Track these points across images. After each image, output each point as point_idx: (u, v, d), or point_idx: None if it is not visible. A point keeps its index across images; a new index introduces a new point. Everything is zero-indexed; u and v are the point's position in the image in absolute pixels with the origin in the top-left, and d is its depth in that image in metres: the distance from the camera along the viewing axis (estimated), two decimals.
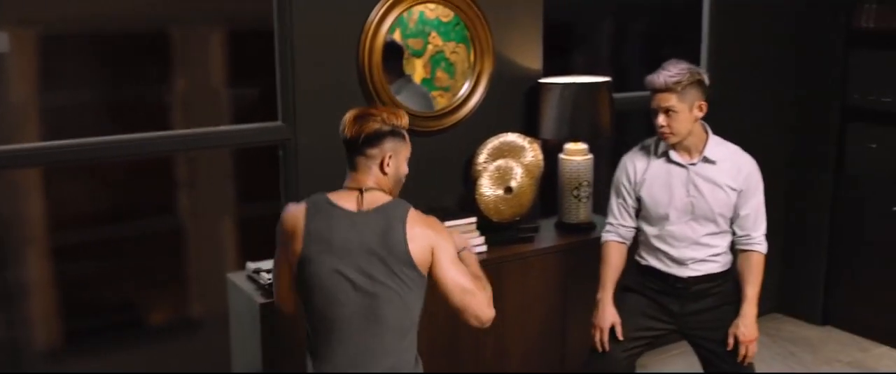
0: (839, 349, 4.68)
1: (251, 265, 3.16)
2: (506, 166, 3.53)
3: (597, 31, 4.58)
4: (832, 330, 4.94)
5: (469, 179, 3.65)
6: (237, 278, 3.17)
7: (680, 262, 3.10)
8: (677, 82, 2.93)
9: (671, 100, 2.95)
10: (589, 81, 3.66)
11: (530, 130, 3.75)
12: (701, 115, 3.02)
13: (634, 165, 3.16)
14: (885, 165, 4.57)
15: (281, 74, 3.31)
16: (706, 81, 3.02)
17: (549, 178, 3.83)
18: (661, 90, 2.96)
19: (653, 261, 3.16)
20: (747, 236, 3.10)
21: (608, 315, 3.10)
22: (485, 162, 3.58)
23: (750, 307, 3.08)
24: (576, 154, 3.69)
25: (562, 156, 3.73)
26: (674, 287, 3.12)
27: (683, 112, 2.97)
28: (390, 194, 2.51)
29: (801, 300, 5.04)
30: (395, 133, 2.47)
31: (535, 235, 3.64)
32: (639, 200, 3.16)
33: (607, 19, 4.62)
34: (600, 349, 3.10)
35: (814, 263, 4.94)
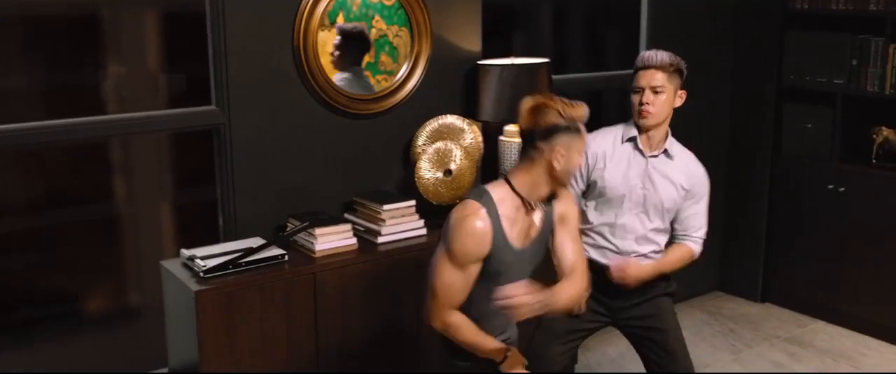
0: (778, 326, 4.76)
1: (186, 252, 3.10)
2: (445, 149, 3.51)
3: (537, 14, 4.58)
4: (771, 307, 5.03)
5: (409, 162, 3.63)
6: (172, 266, 3.12)
7: (623, 255, 3.09)
8: (670, 63, 3.02)
9: (661, 78, 3.01)
10: (528, 62, 3.66)
11: (470, 113, 3.74)
12: (679, 104, 3.10)
13: (599, 147, 3.12)
14: (821, 145, 4.65)
15: (213, 57, 3.25)
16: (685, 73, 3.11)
17: (490, 160, 3.83)
18: (653, 67, 3.01)
19: (594, 254, 3.12)
20: (686, 233, 3.16)
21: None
22: (424, 145, 3.57)
23: (651, 267, 3.08)
24: (515, 136, 3.69)
25: (501, 138, 3.73)
26: (610, 282, 3.07)
27: (668, 94, 3.03)
28: (561, 184, 2.57)
29: (741, 279, 5.13)
30: (570, 128, 2.47)
31: None
32: (591, 184, 3.12)
33: (548, 1, 4.62)
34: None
35: (753, 242, 5.02)
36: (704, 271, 5.13)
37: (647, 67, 3.03)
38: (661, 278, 3.16)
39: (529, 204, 2.55)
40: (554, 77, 4.16)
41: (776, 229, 4.94)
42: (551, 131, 2.45)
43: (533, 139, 2.48)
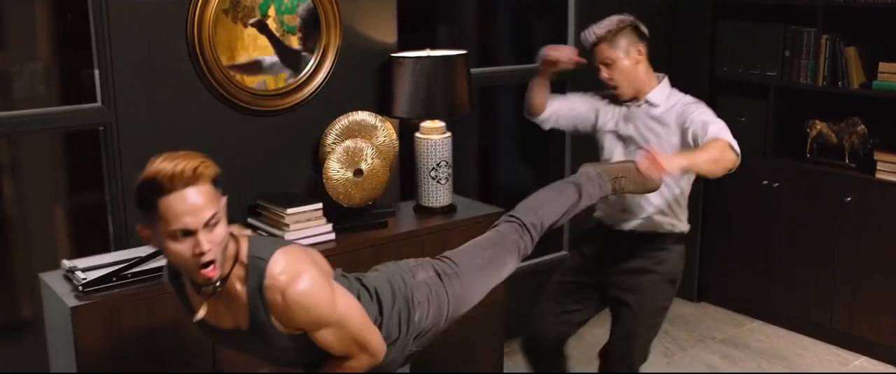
0: (713, 326, 4.62)
1: (67, 263, 2.84)
2: (356, 147, 3.29)
3: (464, 4, 4.36)
4: (707, 307, 4.89)
5: (318, 162, 3.40)
6: (51, 279, 2.85)
7: (625, 209, 3.09)
8: (607, 31, 2.99)
9: (606, 51, 3.00)
10: (444, 54, 3.44)
11: (384, 109, 3.52)
12: (641, 58, 3.07)
13: (604, 99, 3.21)
14: (755, 139, 4.51)
15: (97, 51, 2.98)
16: (641, 27, 3.09)
17: (406, 159, 3.61)
18: (593, 45, 3.01)
19: (602, 208, 3.16)
20: (706, 138, 2.83)
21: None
22: (333, 143, 3.34)
23: (683, 158, 2.73)
24: (432, 133, 3.47)
25: (418, 135, 3.51)
26: (603, 243, 3.15)
27: (621, 61, 3.01)
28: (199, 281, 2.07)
29: None
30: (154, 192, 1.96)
31: (391, 220, 3.41)
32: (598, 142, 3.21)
33: None
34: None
35: (687, 240, 4.86)
36: None
37: (589, 47, 3.04)
38: (651, 253, 3.09)
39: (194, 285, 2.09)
40: (476, 70, 3.96)
41: (711, 225, 4.80)
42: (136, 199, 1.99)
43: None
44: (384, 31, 3.56)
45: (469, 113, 3.53)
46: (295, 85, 3.33)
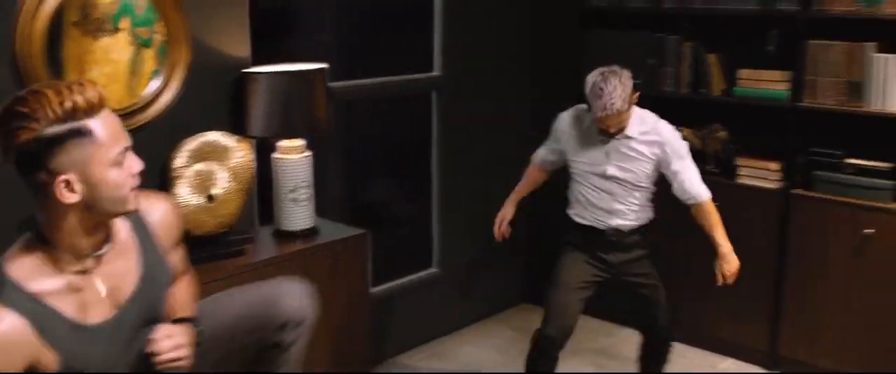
0: (586, 337, 4.58)
1: None
2: (207, 170, 3.06)
3: (320, 14, 4.17)
4: (583, 317, 4.84)
5: (166, 186, 3.15)
6: None
7: (611, 212, 3.49)
8: (624, 102, 3.23)
9: (620, 118, 3.28)
10: (301, 68, 3.25)
11: (238, 128, 3.30)
12: (635, 103, 3.36)
13: (565, 128, 3.56)
14: None
15: None
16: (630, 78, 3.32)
17: (264, 181, 3.40)
18: (612, 115, 3.23)
19: (585, 213, 3.54)
20: (683, 191, 3.53)
21: (505, 210, 3.79)
22: (183, 167, 3.09)
23: (721, 246, 3.47)
24: (290, 152, 3.28)
25: (275, 155, 3.31)
26: (606, 241, 3.51)
27: (627, 113, 3.30)
28: (113, 213, 1.97)
29: None
30: (72, 132, 1.77)
31: (248, 247, 3.20)
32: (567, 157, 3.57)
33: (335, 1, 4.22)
34: (498, 237, 3.79)
35: (558, 250, 4.82)
36: (509, 283, 4.91)
37: (605, 117, 3.25)
38: (640, 238, 3.57)
39: (81, 257, 1.89)
40: (337, 84, 3.80)
41: None
42: (37, 151, 1.74)
43: (23, 171, 1.80)
44: (237, 44, 3.34)
45: (329, 130, 3.35)
46: (141, 104, 3.07)
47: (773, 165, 4.07)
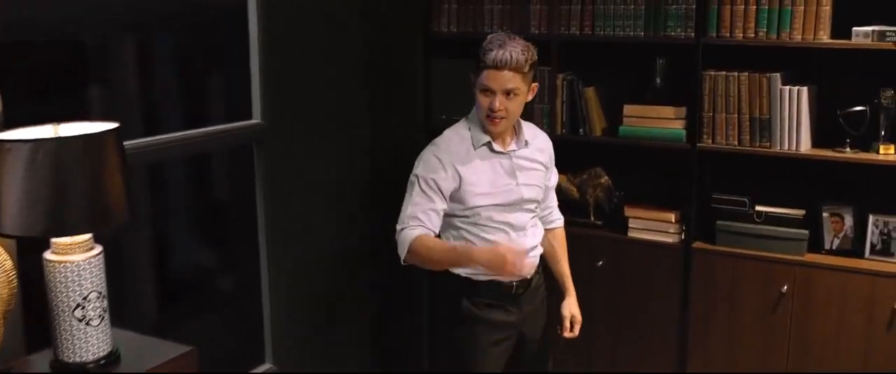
0: None
1: None
2: None
3: (109, 56, 3.14)
4: None
5: None
6: None
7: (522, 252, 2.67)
8: (526, 60, 2.56)
9: (516, 80, 2.56)
10: (79, 132, 2.24)
11: None
12: (531, 98, 2.70)
13: (454, 159, 2.63)
14: None
15: None
16: None
17: (38, 292, 2.37)
18: (509, 69, 2.53)
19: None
20: (550, 209, 2.94)
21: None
22: None
23: (571, 283, 2.94)
24: (71, 252, 2.27)
25: (48, 257, 2.29)
26: (514, 291, 2.75)
27: (523, 95, 2.61)
28: None
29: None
30: None
31: None
32: (454, 198, 2.65)
33: (123, 38, 3.18)
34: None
35: (419, 314, 4.05)
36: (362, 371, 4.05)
37: (500, 67, 2.53)
38: (541, 281, 2.90)
39: None
40: (134, 143, 2.83)
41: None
42: None
43: None
44: None
45: (127, 216, 2.37)
46: None
47: (670, 216, 3.49)
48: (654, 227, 3.51)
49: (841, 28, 3.14)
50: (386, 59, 3.80)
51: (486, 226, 2.67)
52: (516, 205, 2.70)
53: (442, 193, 2.60)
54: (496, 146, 2.68)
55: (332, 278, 3.72)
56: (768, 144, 3.28)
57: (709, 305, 3.45)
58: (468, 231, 2.69)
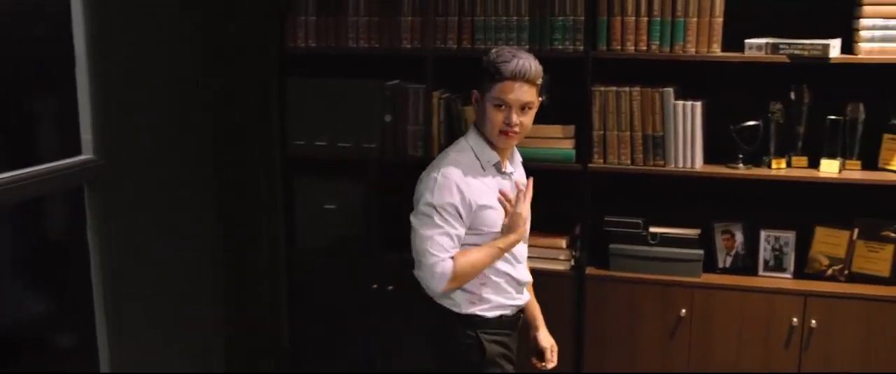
0: None
1: None
2: None
3: None
4: None
5: None
6: None
7: (521, 284, 2.57)
8: (542, 73, 2.40)
9: (532, 93, 2.39)
10: None
11: None
12: None
13: (466, 183, 2.39)
14: (354, 233, 3.41)
15: None
16: None
17: None
18: (526, 80, 2.35)
19: (501, 299, 2.49)
20: None
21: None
22: None
23: (540, 313, 2.74)
24: None
25: None
26: (516, 319, 2.58)
27: (535, 109, 2.44)
28: None
29: None
30: None
31: None
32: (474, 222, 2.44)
33: None
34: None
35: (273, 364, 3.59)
36: None
37: (517, 79, 2.33)
38: None
39: None
40: None
41: (303, 343, 3.57)
42: None
43: None
44: None
45: None
46: None
47: (561, 242, 3.26)
48: (543, 254, 3.26)
49: (733, 41, 3.03)
50: (236, 79, 3.30)
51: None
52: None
53: (461, 218, 2.37)
54: (504, 167, 2.49)
55: (188, 325, 3.21)
56: (662, 162, 3.13)
57: (605, 334, 3.26)
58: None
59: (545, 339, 2.68)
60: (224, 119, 3.32)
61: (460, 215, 2.36)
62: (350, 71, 3.37)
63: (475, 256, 2.39)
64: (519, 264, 2.54)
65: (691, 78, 3.17)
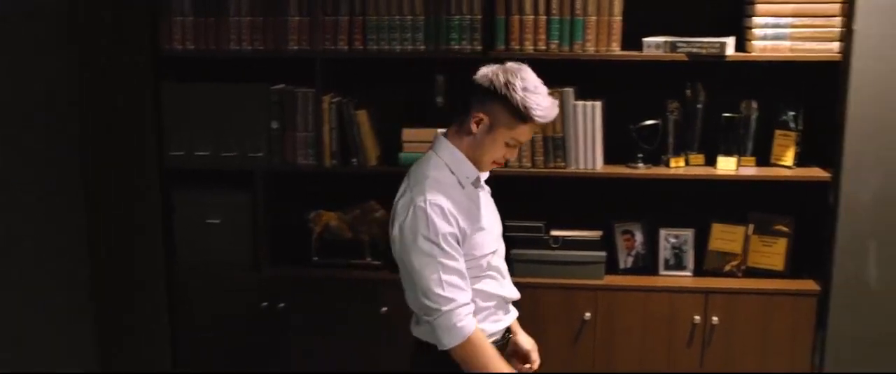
0: None
1: None
2: None
3: None
4: None
5: None
6: None
7: (508, 302, 2.39)
8: None
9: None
10: None
11: None
12: None
13: (455, 207, 2.15)
14: (240, 247, 3.19)
15: None
16: None
17: None
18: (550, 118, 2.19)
19: (493, 327, 2.29)
20: None
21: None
22: None
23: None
24: None
25: None
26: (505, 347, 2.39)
27: None
28: None
29: None
30: None
31: None
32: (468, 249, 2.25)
33: None
34: None
35: None
36: None
37: (545, 119, 2.16)
38: None
39: None
40: None
41: (189, 368, 3.31)
42: None
43: None
44: None
45: None
46: None
47: None
48: None
49: (631, 40, 3.00)
50: (107, 85, 3.01)
51: (488, 277, 2.27)
52: (498, 255, 2.34)
53: (461, 247, 2.14)
54: (483, 181, 2.32)
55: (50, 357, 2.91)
56: (563, 163, 3.07)
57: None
58: (473, 290, 2.24)
59: (526, 341, 2.46)
60: (96, 129, 3.02)
61: (460, 245, 2.13)
62: (233, 75, 3.14)
63: (487, 350, 2.16)
64: (505, 280, 2.34)
65: (590, 78, 3.12)
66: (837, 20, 2.90)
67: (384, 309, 3.16)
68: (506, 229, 3.16)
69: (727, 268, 3.17)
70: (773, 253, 3.17)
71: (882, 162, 2.98)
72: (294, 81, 3.12)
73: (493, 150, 2.16)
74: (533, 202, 3.24)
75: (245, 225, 3.17)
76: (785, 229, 3.16)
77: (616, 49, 2.98)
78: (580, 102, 3.03)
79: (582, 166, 3.07)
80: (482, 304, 2.24)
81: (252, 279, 3.21)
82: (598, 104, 3.03)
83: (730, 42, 2.95)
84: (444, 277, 2.09)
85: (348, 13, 3.02)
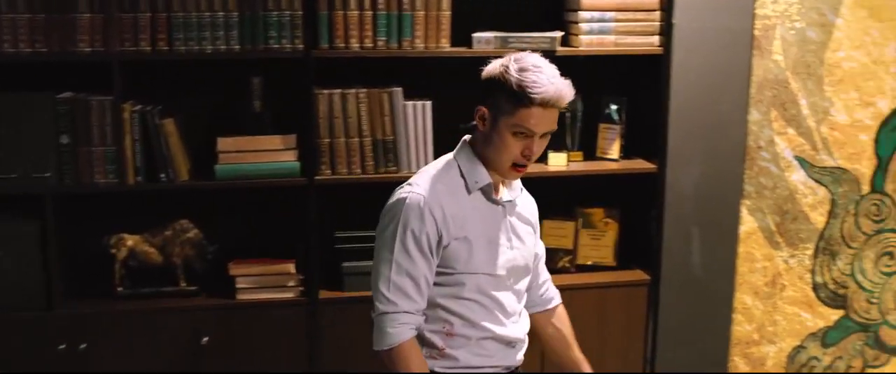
0: None
1: None
2: None
3: None
4: None
5: None
6: None
7: (512, 344, 2.11)
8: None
9: (555, 119, 1.97)
10: None
11: None
12: None
13: (442, 208, 1.95)
14: (32, 288, 2.74)
15: None
16: None
17: None
18: (557, 106, 1.94)
19: (475, 360, 2.04)
20: (547, 284, 2.30)
21: None
22: None
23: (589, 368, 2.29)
24: None
25: None
26: None
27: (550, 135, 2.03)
28: None
29: None
30: None
31: None
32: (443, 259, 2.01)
33: None
34: None
35: None
36: None
37: (546, 107, 1.90)
38: None
39: None
40: None
41: None
42: None
43: None
44: None
45: None
46: None
47: (288, 267, 2.89)
48: (268, 283, 2.87)
49: (460, 36, 2.88)
50: None
51: (472, 301, 2.01)
52: (507, 276, 2.07)
53: (431, 251, 1.94)
54: (494, 194, 2.06)
55: None
56: (395, 168, 2.89)
57: (346, 363, 2.95)
58: (446, 309, 2.01)
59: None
60: None
61: (430, 249, 1.93)
62: (10, 83, 2.68)
63: (411, 367, 1.94)
64: (510, 320, 2.09)
65: (417, 76, 2.97)
66: (657, 14, 2.95)
67: (205, 339, 2.84)
68: (335, 240, 2.98)
69: (560, 264, 3.15)
70: (601, 246, 3.19)
71: (702, 152, 3.08)
72: (86, 89, 2.70)
73: (503, 145, 1.95)
74: (365, 211, 3.02)
75: (34, 257, 2.72)
76: (611, 221, 3.18)
77: (445, 45, 2.85)
78: (409, 103, 2.87)
79: (414, 170, 2.91)
80: (460, 330, 2.03)
81: (44, 319, 2.76)
82: (428, 104, 2.89)
83: (559, 36, 2.92)
84: (394, 277, 1.95)
85: (149, 9, 2.66)
